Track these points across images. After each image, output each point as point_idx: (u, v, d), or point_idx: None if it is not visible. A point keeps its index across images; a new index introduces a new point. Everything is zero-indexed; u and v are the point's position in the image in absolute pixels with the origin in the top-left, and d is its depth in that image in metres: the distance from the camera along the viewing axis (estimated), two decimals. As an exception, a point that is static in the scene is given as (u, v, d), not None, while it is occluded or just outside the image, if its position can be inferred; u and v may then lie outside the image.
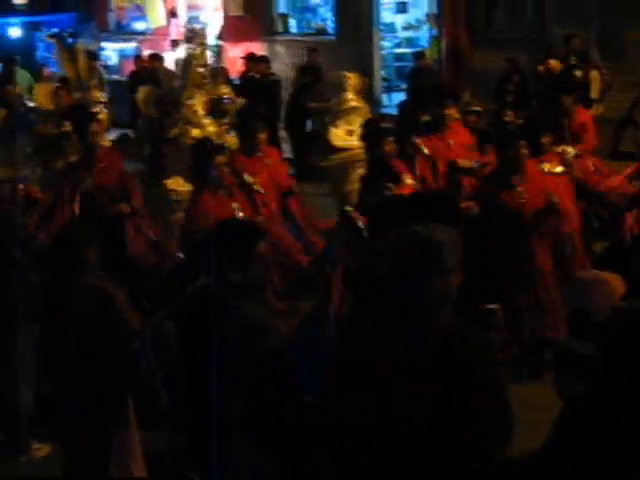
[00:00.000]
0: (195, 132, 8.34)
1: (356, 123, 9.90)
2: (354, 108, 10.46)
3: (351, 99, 10.49)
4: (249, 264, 4.04)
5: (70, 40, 23.36)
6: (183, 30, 9.73)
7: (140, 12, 22.95)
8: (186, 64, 9.89)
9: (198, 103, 9.13)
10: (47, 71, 19.00)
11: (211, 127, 9.11)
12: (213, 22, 20.77)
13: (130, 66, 19.66)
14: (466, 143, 9.20)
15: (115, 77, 20.55)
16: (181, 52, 17.98)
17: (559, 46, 13.81)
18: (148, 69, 16.98)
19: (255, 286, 4.13)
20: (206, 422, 3.79)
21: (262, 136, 8.27)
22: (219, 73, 10.93)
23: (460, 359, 3.33)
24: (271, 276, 7.55)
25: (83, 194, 7.08)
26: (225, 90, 10.03)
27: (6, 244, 5.91)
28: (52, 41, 21.36)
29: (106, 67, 20.41)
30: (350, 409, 3.43)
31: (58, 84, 14.16)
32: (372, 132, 8.42)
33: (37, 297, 5.81)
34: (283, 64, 18.79)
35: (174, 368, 3.86)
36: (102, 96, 11.96)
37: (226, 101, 9.74)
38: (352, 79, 10.85)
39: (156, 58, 17.25)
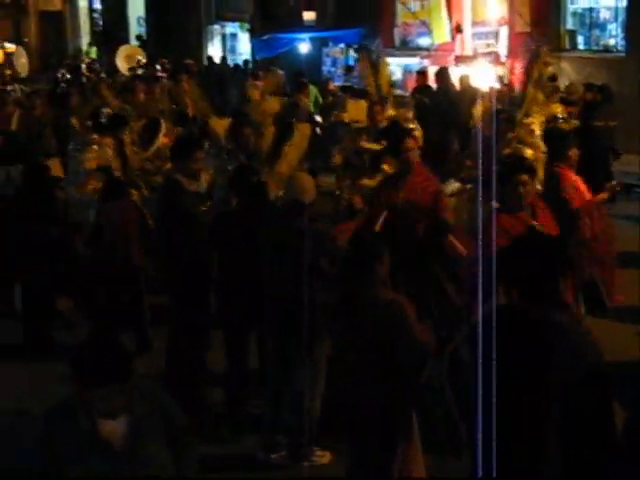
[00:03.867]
0: (528, 152, 8.15)
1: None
2: None
3: None
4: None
5: (356, 55, 24.03)
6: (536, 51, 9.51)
7: (425, 28, 23.13)
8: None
9: (536, 122, 8.97)
10: (332, 85, 19.58)
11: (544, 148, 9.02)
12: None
13: (413, 82, 19.90)
14: None
15: (399, 92, 20.77)
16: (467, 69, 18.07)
17: None
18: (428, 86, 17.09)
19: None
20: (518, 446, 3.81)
21: (574, 153, 7.99)
22: (553, 92, 10.66)
23: None
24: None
25: (390, 209, 7.20)
26: (559, 109, 9.78)
27: (304, 254, 6.10)
28: (357, 55, 21.89)
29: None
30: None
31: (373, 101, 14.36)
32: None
33: (328, 309, 5.96)
34: (568, 81, 18.38)
35: (470, 394, 3.84)
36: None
37: (560, 121, 9.52)
38: None
39: (441, 74, 17.26)
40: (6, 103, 15.33)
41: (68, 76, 25.45)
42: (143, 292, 8.90)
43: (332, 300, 5.89)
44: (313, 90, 18.71)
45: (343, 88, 17.12)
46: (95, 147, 10.14)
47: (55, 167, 10.36)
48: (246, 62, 27.00)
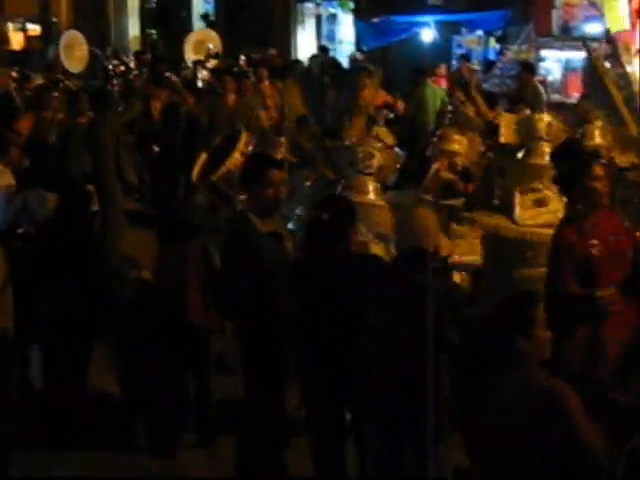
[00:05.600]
0: None
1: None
2: None
3: None
4: None
5: (499, 46, 23.93)
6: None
7: (595, 11, 22.88)
8: None
9: None
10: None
11: None
12: None
13: (577, 83, 19.82)
14: None
15: (557, 97, 20.56)
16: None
17: None
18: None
19: None
20: None
21: None
22: None
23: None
24: None
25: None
26: None
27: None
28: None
29: (545, 83, 20.41)
30: None
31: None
32: None
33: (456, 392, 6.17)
34: None
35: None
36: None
37: None
38: None
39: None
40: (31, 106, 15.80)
41: (122, 68, 26.10)
42: (207, 364, 9.02)
43: (461, 381, 6.19)
44: (439, 92, 18.93)
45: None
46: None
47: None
48: (323, 48, 27.29)
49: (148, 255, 10.51)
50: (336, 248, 7.17)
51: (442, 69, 21.24)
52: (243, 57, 24.91)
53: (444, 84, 20.54)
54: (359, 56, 25.22)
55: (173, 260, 8.93)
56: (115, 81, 23.72)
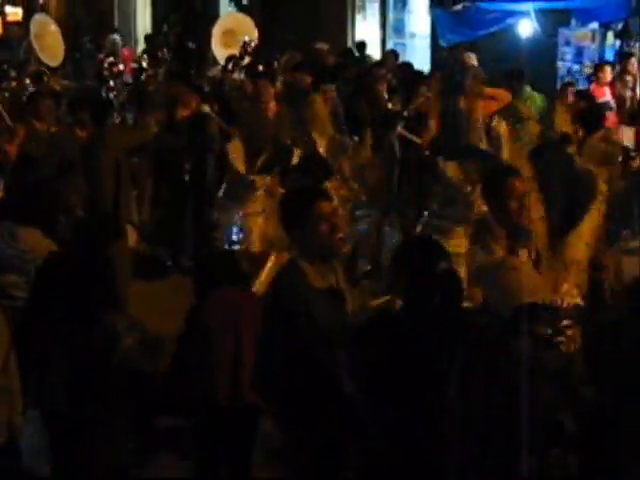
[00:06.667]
0: None
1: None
2: None
3: None
4: None
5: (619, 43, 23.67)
6: None
7: None
8: None
9: None
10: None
11: None
12: None
13: None
14: None
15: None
16: None
17: None
18: None
19: None
20: None
21: None
22: None
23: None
24: None
25: None
26: None
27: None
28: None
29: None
30: None
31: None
32: None
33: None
34: None
35: None
36: None
37: None
38: None
39: None
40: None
41: (121, 67, 26.50)
42: (251, 456, 8.99)
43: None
44: (537, 99, 19.15)
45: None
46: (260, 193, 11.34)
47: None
48: (361, 44, 26.98)
49: (155, 313, 11.45)
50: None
51: (606, 73, 20.83)
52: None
53: (608, 95, 20.20)
54: (472, 56, 24.49)
55: (217, 314, 8.83)
56: (112, 82, 23.51)
